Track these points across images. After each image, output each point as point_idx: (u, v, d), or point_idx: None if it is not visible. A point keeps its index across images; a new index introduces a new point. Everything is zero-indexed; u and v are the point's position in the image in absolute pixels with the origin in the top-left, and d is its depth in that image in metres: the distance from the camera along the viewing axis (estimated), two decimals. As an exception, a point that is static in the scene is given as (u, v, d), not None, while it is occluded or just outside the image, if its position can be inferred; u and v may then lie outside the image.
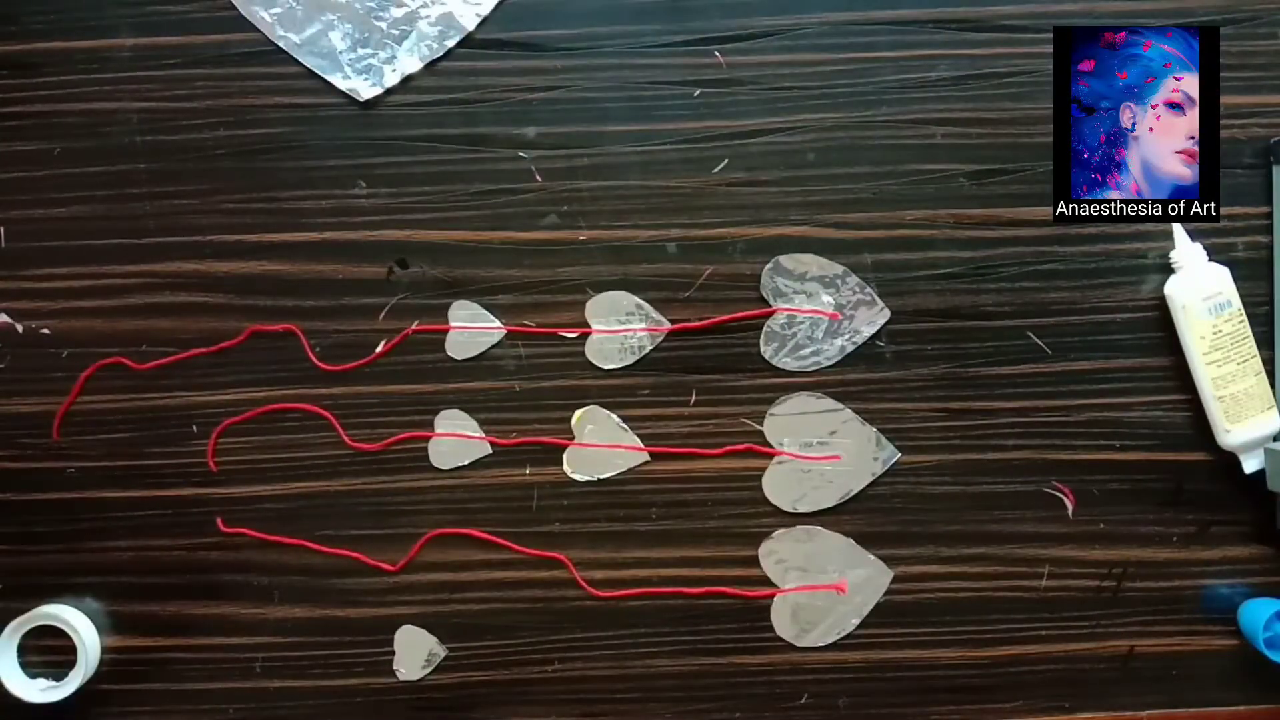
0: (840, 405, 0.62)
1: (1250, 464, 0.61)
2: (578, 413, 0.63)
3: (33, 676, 0.63)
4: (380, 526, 0.64)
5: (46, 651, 0.63)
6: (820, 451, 0.62)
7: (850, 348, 0.62)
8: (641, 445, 0.63)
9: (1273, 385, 0.61)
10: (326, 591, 0.64)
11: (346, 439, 0.63)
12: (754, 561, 0.63)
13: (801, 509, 0.63)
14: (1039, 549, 0.63)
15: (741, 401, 0.63)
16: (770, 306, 0.63)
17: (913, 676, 0.63)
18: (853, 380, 0.63)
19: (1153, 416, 0.63)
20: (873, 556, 0.63)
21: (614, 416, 0.63)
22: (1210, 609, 0.63)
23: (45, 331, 0.64)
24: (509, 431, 0.63)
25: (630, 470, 0.63)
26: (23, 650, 0.63)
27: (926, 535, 0.63)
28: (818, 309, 0.62)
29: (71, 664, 0.62)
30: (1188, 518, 0.63)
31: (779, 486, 0.63)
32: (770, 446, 0.63)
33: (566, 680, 0.64)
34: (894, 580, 0.63)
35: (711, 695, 0.64)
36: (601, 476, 0.63)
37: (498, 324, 0.63)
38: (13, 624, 0.62)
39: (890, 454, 0.62)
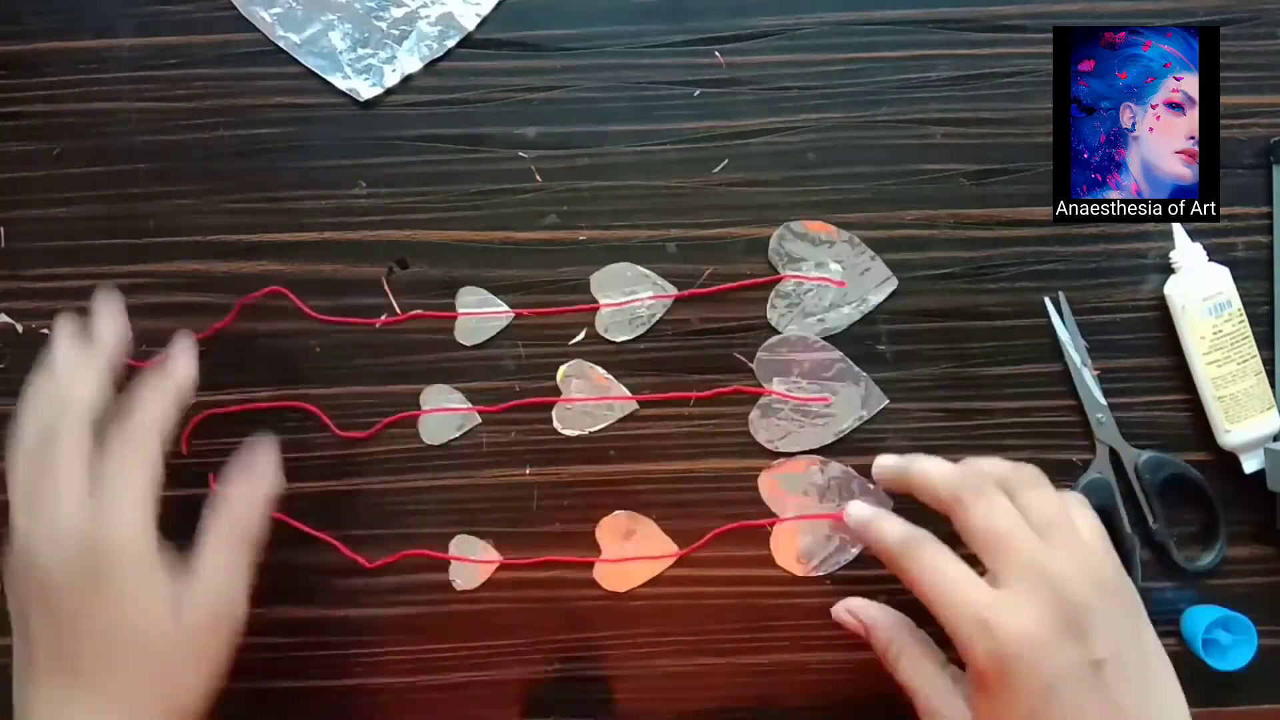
0: (832, 348, 0.62)
1: (1250, 464, 0.61)
2: (561, 369, 0.63)
3: None
4: (380, 526, 0.64)
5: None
6: (810, 393, 0.62)
7: (857, 315, 0.62)
8: (629, 394, 0.62)
9: (1273, 385, 0.61)
10: (326, 591, 0.64)
11: (335, 429, 0.63)
12: (758, 561, 0.63)
13: (784, 449, 0.62)
14: (1039, 549, 0.63)
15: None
16: (778, 273, 0.62)
17: (913, 676, 0.63)
18: (853, 380, 0.63)
19: (1153, 416, 0.63)
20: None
21: (598, 368, 0.62)
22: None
23: (45, 331, 0.64)
24: (508, 431, 0.63)
25: (620, 420, 0.63)
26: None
27: (926, 535, 0.63)
28: (825, 276, 0.62)
29: None
30: (1188, 518, 0.63)
31: (765, 427, 0.62)
32: (760, 386, 0.62)
33: (566, 680, 0.64)
34: (895, 580, 0.63)
35: (712, 695, 0.64)
36: (592, 430, 0.63)
37: (505, 307, 0.63)
38: None
39: (879, 399, 0.62)
